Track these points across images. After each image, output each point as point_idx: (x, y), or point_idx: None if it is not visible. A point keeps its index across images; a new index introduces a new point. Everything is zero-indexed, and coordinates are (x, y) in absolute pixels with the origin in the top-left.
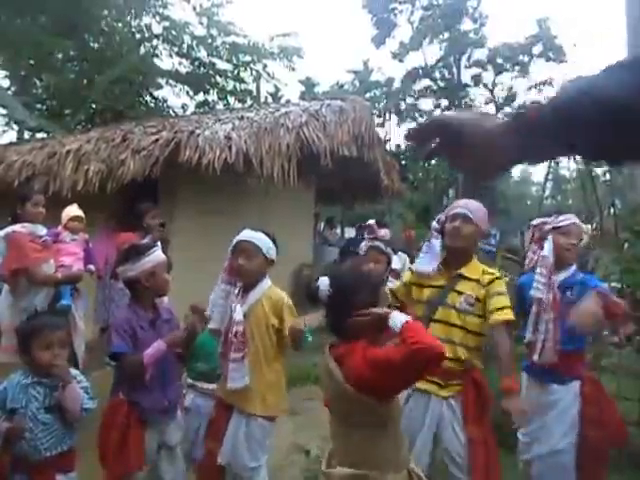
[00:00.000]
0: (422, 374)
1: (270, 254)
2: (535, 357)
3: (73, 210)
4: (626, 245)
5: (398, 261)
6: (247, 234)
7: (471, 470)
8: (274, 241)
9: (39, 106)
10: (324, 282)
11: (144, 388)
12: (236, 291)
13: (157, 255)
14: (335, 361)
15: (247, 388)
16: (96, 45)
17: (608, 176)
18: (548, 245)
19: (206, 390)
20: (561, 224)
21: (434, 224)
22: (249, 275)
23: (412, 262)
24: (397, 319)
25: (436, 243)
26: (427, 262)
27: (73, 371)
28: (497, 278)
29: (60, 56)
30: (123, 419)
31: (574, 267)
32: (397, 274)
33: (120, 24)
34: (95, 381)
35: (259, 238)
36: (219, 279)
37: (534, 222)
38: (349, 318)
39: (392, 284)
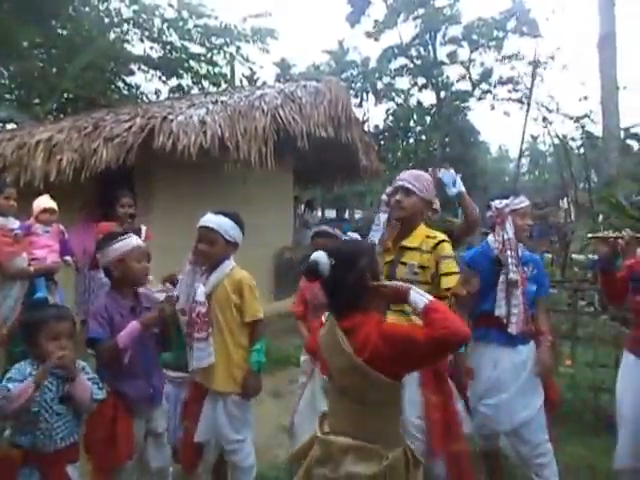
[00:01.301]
0: (443, 357)
1: (231, 236)
2: (512, 328)
3: (44, 201)
4: (601, 217)
5: None
6: (206, 219)
7: (430, 438)
8: (238, 222)
9: (7, 96)
10: (321, 256)
11: (128, 377)
12: (200, 272)
13: (126, 243)
14: (344, 333)
15: (216, 367)
16: (64, 31)
17: (582, 150)
18: (510, 227)
19: (174, 378)
20: (518, 206)
21: (383, 197)
22: (210, 259)
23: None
24: (418, 297)
25: (382, 217)
26: (375, 235)
27: (81, 362)
28: (441, 241)
29: (27, 44)
30: (110, 411)
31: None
32: None
33: (88, 9)
34: None
35: (218, 222)
36: (186, 261)
37: (496, 204)
38: (356, 287)
39: None
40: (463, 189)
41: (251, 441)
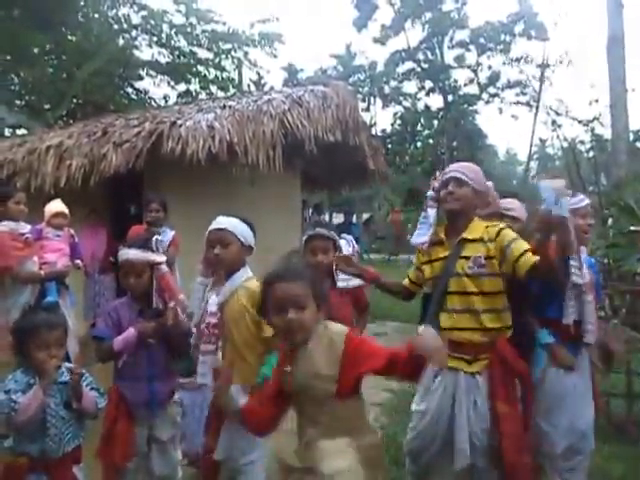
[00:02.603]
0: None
1: (247, 240)
2: (588, 338)
3: (56, 206)
4: (610, 220)
5: (347, 245)
6: (220, 221)
7: (499, 449)
8: (251, 227)
9: (18, 102)
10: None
11: (128, 380)
12: (212, 281)
13: (120, 254)
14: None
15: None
16: (74, 38)
17: (592, 153)
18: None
19: (186, 385)
20: (578, 205)
21: (430, 192)
22: (226, 264)
23: (397, 245)
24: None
25: (432, 213)
26: (423, 233)
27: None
28: (502, 229)
29: (37, 50)
30: (113, 410)
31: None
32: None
33: (97, 15)
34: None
35: (233, 224)
36: (197, 272)
37: None
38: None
39: (344, 275)
40: (567, 213)
41: (261, 461)
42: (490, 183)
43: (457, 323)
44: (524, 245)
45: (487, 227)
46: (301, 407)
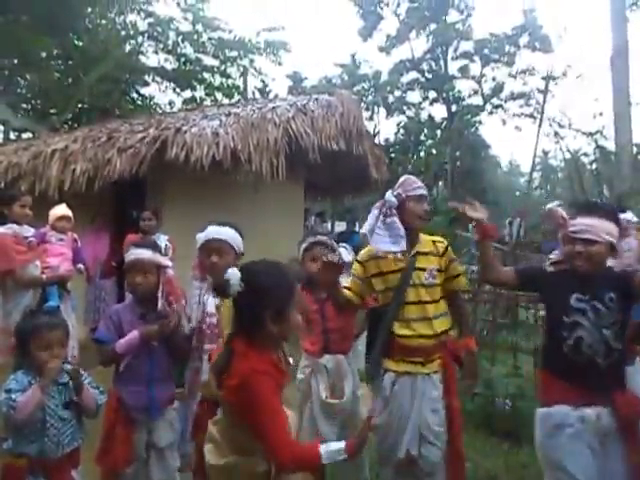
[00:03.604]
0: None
1: (240, 249)
2: None
3: (61, 210)
4: None
5: (347, 253)
6: (216, 231)
7: (450, 439)
8: (240, 233)
9: (24, 106)
10: (235, 275)
11: (127, 384)
12: (206, 285)
13: (127, 255)
14: (229, 352)
15: None
16: (81, 43)
17: (595, 165)
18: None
19: (180, 394)
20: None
21: (392, 200)
22: (221, 272)
23: None
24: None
25: (398, 223)
26: (393, 242)
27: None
28: (447, 245)
29: (44, 55)
30: (112, 414)
31: None
32: (348, 266)
33: (104, 21)
34: None
35: (231, 235)
36: (191, 278)
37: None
38: (252, 322)
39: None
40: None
41: None
42: (555, 204)
43: (413, 331)
44: (460, 268)
45: (435, 242)
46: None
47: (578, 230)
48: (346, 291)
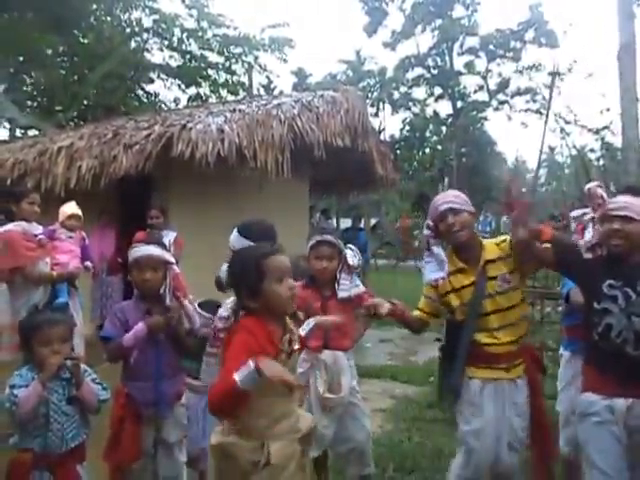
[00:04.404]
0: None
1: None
2: None
3: (71, 208)
4: None
5: (354, 255)
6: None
7: (538, 440)
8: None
9: (30, 103)
10: (224, 270)
11: (135, 379)
12: None
13: (132, 252)
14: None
15: None
16: (86, 40)
17: (602, 162)
18: None
19: (195, 387)
20: None
21: (427, 232)
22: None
23: (405, 251)
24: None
25: (438, 250)
26: (436, 269)
27: (83, 366)
28: (510, 240)
29: (49, 52)
30: (120, 410)
31: None
32: (354, 269)
33: (109, 18)
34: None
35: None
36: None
37: None
38: (239, 298)
39: (345, 284)
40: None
41: None
42: (595, 184)
43: (497, 339)
44: None
45: (498, 244)
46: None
47: (616, 207)
48: (416, 312)
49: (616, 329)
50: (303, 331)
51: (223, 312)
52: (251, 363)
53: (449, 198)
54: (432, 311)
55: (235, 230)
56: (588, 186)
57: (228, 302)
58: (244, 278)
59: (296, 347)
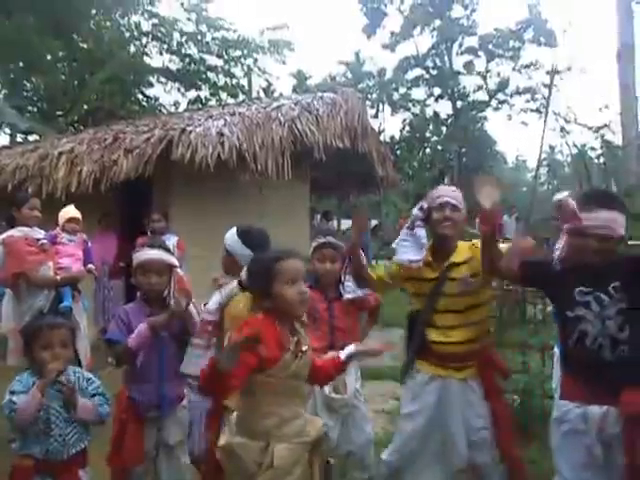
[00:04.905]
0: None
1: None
2: None
3: (70, 211)
4: None
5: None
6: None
7: (498, 444)
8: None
9: (30, 108)
10: (244, 270)
11: (138, 382)
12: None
13: (136, 256)
14: None
15: None
16: (85, 45)
17: (602, 160)
18: None
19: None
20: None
21: (417, 212)
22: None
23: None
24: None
25: (422, 233)
26: (414, 252)
27: (86, 374)
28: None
29: (50, 57)
30: (122, 413)
31: None
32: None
33: (109, 23)
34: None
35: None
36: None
37: None
38: (259, 298)
39: (350, 285)
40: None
41: None
42: (566, 194)
43: (448, 338)
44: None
45: (470, 247)
46: (294, 386)
47: (595, 226)
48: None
49: (591, 336)
50: (343, 355)
51: (211, 306)
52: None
53: (452, 194)
54: (389, 279)
55: (234, 232)
56: (559, 197)
57: (215, 297)
58: (257, 279)
59: (304, 349)
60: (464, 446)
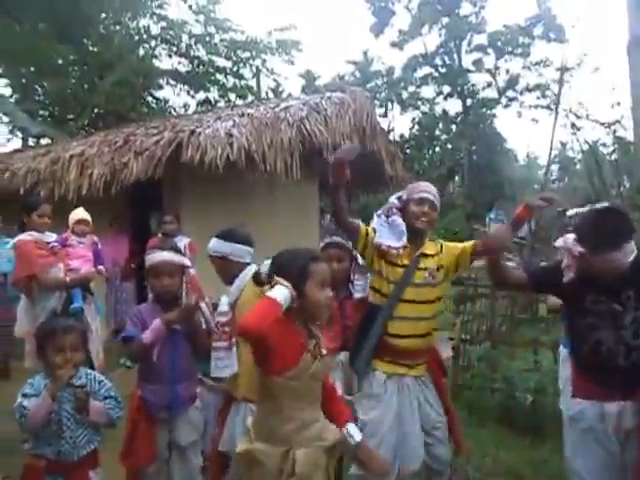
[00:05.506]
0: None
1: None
2: None
3: (79, 213)
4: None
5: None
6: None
7: (452, 437)
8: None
9: (42, 112)
10: (265, 265)
11: (150, 382)
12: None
13: (148, 259)
14: None
15: (240, 375)
16: (95, 49)
17: (614, 156)
18: None
19: (211, 386)
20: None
21: (394, 201)
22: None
23: None
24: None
25: (400, 221)
26: (394, 238)
27: (98, 376)
28: (443, 243)
29: (60, 61)
30: (134, 413)
31: None
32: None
33: (118, 27)
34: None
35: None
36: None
37: None
38: None
39: (360, 284)
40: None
41: None
42: (571, 238)
43: (404, 330)
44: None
45: (438, 243)
46: (313, 387)
47: (609, 267)
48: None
49: (606, 345)
50: (348, 426)
51: (222, 307)
52: (283, 287)
53: (432, 191)
54: (367, 233)
55: (214, 238)
56: (559, 243)
57: (223, 299)
58: (289, 276)
59: (324, 352)
60: (420, 445)
